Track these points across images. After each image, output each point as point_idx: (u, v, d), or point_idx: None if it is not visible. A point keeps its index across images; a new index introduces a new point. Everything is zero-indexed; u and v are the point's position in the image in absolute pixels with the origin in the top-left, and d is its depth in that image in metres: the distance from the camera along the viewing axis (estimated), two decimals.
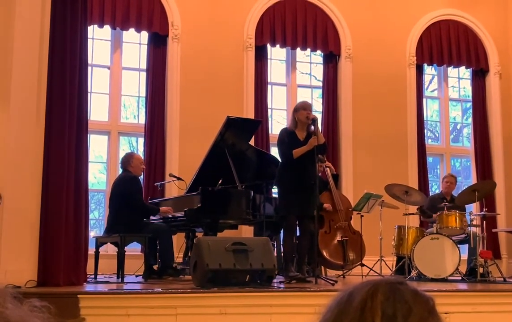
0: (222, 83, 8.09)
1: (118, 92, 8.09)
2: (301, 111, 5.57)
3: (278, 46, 8.48)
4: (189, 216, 5.85)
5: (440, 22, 9.16)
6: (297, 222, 5.62)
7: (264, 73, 8.39)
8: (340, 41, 8.67)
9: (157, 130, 7.81)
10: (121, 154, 7.87)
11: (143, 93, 8.09)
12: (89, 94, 5.70)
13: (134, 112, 8.68)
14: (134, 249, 6.74)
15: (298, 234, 5.79)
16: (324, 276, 6.24)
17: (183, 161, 7.64)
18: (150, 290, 4.35)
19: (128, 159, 6.22)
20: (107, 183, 7.81)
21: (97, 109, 8.04)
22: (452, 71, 9.54)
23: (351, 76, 8.67)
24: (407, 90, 8.89)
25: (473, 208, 8.02)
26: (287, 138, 5.55)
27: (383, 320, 0.90)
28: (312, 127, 5.51)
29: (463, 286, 5.61)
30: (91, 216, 7.66)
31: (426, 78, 9.60)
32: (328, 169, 7.02)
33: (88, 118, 5.32)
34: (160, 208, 6.26)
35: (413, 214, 7.09)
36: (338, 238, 6.79)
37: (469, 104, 9.57)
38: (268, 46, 8.46)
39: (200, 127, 7.67)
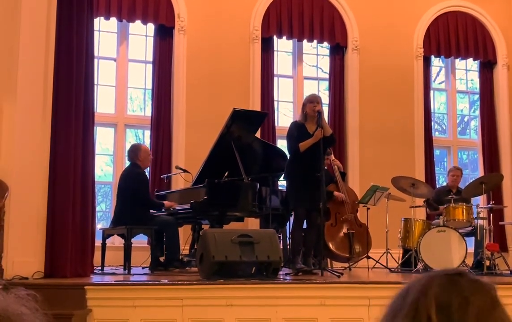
0: (228, 75, 8.07)
1: (124, 84, 8.09)
2: (308, 104, 5.58)
3: (284, 38, 8.44)
4: (195, 208, 5.86)
5: (448, 14, 9.09)
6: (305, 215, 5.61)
7: (270, 65, 8.36)
8: (347, 33, 8.63)
9: (163, 123, 7.82)
10: (128, 147, 7.89)
11: (149, 85, 8.09)
12: (95, 86, 5.70)
13: (141, 104, 8.69)
14: (140, 241, 6.76)
15: (305, 226, 5.79)
16: (330, 268, 6.24)
17: (189, 153, 7.65)
18: (156, 282, 4.37)
19: (136, 152, 6.21)
20: (114, 175, 7.84)
21: (104, 101, 8.05)
22: (459, 63, 9.48)
23: (358, 68, 8.63)
24: (414, 82, 8.85)
25: (480, 200, 7.98)
26: (296, 131, 5.54)
27: (438, 312, 0.86)
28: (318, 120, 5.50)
29: None
30: (98, 208, 7.69)
31: (434, 70, 9.54)
32: (336, 166, 6.99)
33: (95, 110, 5.33)
34: (164, 203, 6.26)
35: (419, 206, 7.06)
36: (344, 230, 6.78)
37: (477, 96, 9.51)
38: (275, 38, 8.43)
39: (206, 119, 7.67)
